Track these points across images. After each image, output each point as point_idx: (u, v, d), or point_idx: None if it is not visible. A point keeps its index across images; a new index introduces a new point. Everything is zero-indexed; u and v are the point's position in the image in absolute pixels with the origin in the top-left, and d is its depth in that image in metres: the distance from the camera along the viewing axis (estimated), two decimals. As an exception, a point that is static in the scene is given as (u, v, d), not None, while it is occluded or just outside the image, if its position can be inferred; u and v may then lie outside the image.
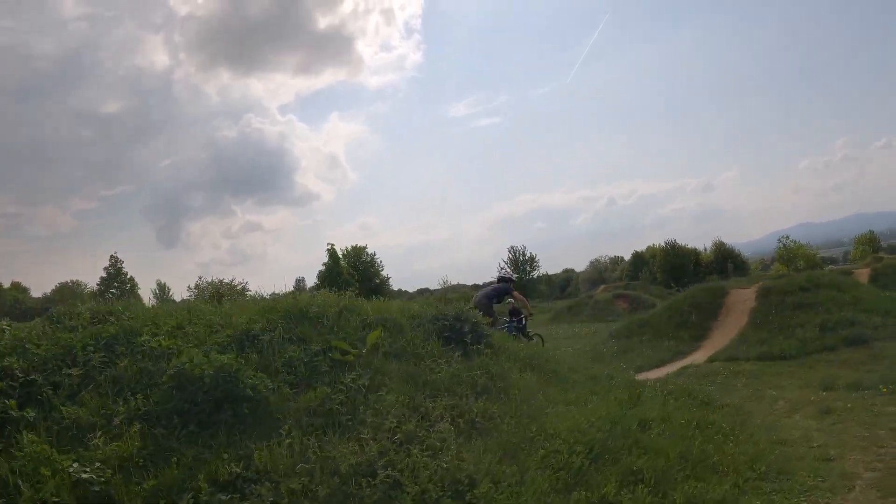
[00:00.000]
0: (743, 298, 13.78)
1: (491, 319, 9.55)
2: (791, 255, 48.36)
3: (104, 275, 43.29)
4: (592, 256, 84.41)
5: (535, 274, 62.44)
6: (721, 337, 12.78)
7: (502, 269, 11.09)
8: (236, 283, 54.00)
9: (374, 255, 66.94)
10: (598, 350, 14.14)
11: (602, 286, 46.17)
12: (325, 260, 32.28)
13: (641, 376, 10.19)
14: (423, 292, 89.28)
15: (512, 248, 61.91)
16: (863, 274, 28.14)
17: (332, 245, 33.00)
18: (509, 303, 11.12)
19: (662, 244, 63.56)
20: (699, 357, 11.75)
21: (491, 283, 11.15)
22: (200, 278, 66.96)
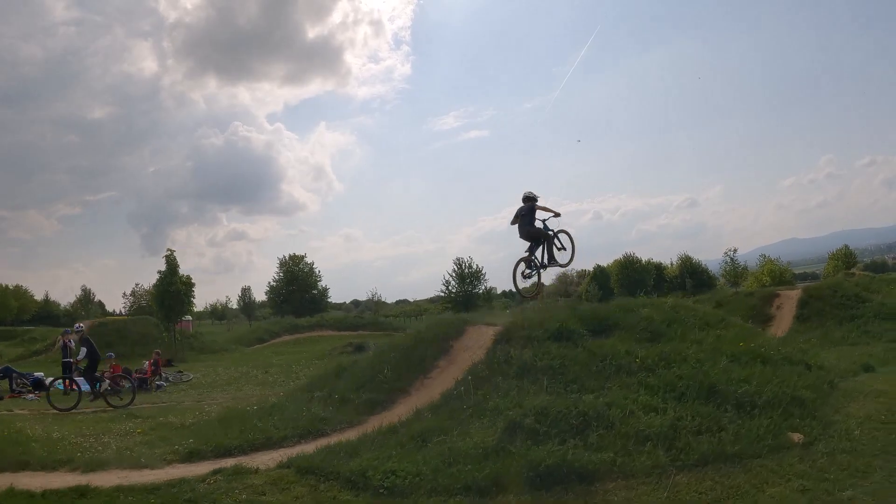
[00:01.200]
0: (479, 344, 8.65)
1: (549, 233, 9.88)
2: (740, 273, 41.78)
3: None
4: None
5: (481, 288, 57.40)
6: (404, 408, 7.47)
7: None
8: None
9: (313, 264, 63.06)
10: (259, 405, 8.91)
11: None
12: (163, 268, 27.03)
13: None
14: (401, 303, 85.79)
15: (458, 259, 57.82)
16: (790, 298, 22.54)
17: (172, 252, 27.80)
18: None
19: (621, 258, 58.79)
20: (300, 449, 6.41)
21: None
22: (137, 285, 61.65)
